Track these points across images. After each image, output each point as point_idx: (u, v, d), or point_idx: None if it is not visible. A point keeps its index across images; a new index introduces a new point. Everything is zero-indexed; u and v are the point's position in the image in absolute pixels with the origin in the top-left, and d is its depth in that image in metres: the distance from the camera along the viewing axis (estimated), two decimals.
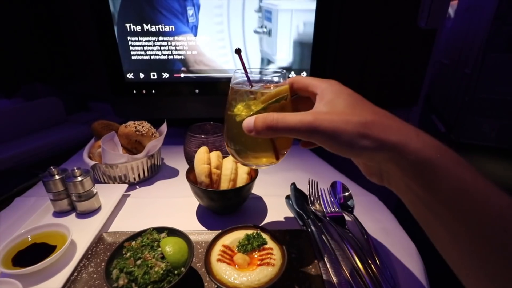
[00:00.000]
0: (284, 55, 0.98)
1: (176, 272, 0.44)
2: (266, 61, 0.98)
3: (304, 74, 1.01)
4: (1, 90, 1.41)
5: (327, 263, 0.54)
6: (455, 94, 3.56)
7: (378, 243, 0.60)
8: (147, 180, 0.85)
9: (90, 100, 1.58)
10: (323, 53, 0.99)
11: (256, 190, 0.77)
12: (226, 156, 0.71)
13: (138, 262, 0.44)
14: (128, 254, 0.46)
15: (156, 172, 0.89)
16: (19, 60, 1.53)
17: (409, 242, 0.61)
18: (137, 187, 0.81)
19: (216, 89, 1.01)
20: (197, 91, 1.00)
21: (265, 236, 0.50)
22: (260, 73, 0.49)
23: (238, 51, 0.46)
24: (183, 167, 0.92)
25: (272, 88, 0.43)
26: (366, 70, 1.22)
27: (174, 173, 0.90)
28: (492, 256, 0.27)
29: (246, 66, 0.45)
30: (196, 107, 1.05)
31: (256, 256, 0.47)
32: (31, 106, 1.29)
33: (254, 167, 0.56)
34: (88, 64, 1.56)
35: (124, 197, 0.75)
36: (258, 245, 0.48)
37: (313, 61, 0.99)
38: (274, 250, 0.47)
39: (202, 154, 0.64)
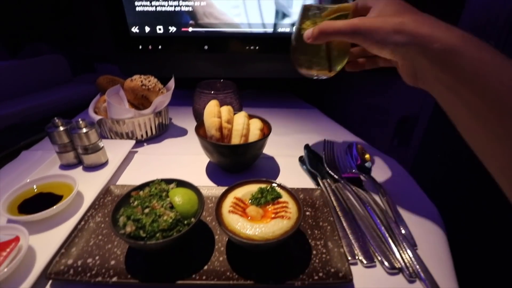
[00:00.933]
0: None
1: (185, 222, 0.42)
2: (281, 14, 0.90)
3: None
4: (5, 49, 1.37)
5: (343, 222, 0.52)
6: None
7: (397, 204, 0.56)
8: (154, 138, 0.82)
9: (95, 61, 1.53)
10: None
11: (267, 150, 0.74)
12: (237, 113, 0.66)
13: (146, 210, 0.42)
14: (136, 202, 0.44)
15: (164, 130, 0.85)
16: (23, 19, 1.47)
17: (430, 204, 0.58)
18: (145, 144, 0.79)
19: (227, 46, 0.95)
20: (206, 47, 0.93)
21: (279, 190, 0.47)
22: None
23: None
24: (191, 126, 0.88)
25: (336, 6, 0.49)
26: None
27: (182, 132, 0.87)
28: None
29: None
30: (205, 65, 0.99)
31: (270, 209, 0.44)
32: (36, 62, 1.24)
33: (314, 77, 0.60)
34: (93, 24, 1.49)
35: (131, 153, 0.73)
36: (272, 198, 0.45)
37: None
38: (289, 204, 0.44)
39: (212, 107, 0.60)
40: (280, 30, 0.92)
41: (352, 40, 0.42)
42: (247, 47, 0.93)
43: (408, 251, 0.45)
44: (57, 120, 0.62)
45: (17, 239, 0.43)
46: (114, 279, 0.40)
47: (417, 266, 0.43)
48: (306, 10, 0.53)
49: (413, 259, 0.44)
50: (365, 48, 0.43)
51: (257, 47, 0.93)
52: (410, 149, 1.43)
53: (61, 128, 0.62)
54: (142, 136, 0.78)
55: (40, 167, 0.63)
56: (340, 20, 0.42)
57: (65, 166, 0.66)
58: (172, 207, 0.43)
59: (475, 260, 1.17)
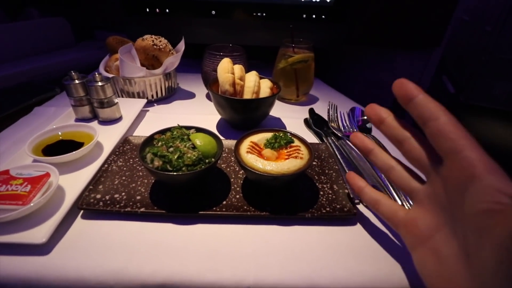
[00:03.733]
0: None
1: (207, 161, 0.46)
2: None
3: None
4: (4, 13, 1.33)
5: (346, 170, 0.56)
6: (471, 54, 3.41)
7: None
8: (164, 99, 0.84)
9: (97, 29, 1.50)
10: None
11: (274, 112, 0.77)
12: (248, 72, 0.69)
13: (171, 149, 0.45)
14: (160, 143, 0.47)
15: (173, 93, 0.88)
16: None
17: None
18: (155, 104, 0.81)
19: (234, 12, 0.95)
20: (213, 12, 0.94)
21: (291, 136, 0.51)
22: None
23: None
24: (199, 90, 0.91)
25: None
26: (391, 1, 1.13)
27: (190, 95, 0.89)
28: None
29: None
30: (211, 31, 1.00)
31: (284, 152, 0.48)
32: (40, 23, 1.22)
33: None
34: None
35: (143, 112, 0.76)
36: (285, 142, 0.49)
37: None
38: (301, 148, 0.48)
39: (226, 64, 0.62)
40: None
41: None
42: (254, 14, 0.95)
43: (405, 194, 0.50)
44: (73, 73, 0.64)
45: (47, 175, 0.47)
46: (142, 209, 0.44)
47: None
48: (282, 52, 0.82)
49: (409, 200, 0.49)
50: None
51: (264, 14, 0.94)
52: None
53: (77, 81, 0.64)
54: (152, 96, 0.80)
55: (56, 120, 0.66)
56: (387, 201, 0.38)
57: (80, 120, 0.68)
58: (194, 147, 0.47)
59: None
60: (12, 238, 0.39)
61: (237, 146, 0.49)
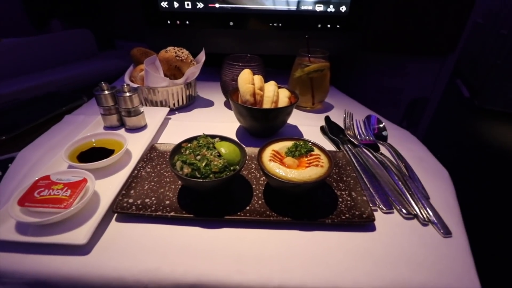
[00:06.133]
0: None
1: (232, 168, 0.49)
2: None
3: (343, 8, 0.96)
4: (32, 24, 1.42)
5: (364, 178, 0.58)
6: (486, 57, 3.35)
7: (411, 166, 0.62)
8: (185, 107, 0.88)
9: (117, 38, 1.57)
10: None
11: (291, 120, 0.80)
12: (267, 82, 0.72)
13: (198, 157, 0.48)
14: (188, 152, 0.50)
15: (193, 101, 0.91)
16: None
17: (441, 168, 0.64)
18: (176, 112, 0.85)
19: (251, 23, 0.99)
20: (231, 23, 0.98)
21: (311, 145, 0.53)
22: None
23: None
24: (218, 98, 0.95)
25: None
26: (405, 9, 1.15)
27: (209, 103, 0.92)
28: None
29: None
30: (229, 42, 1.04)
31: (304, 160, 0.51)
32: (66, 35, 1.30)
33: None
34: (115, 1, 1.51)
35: (166, 120, 0.79)
36: (306, 151, 0.51)
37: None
38: (321, 156, 0.51)
39: (246, 75, 0.65)
40: (302, 7, 0.96)
41: None
42: (270, 24, 0.98)
43: (422, 200, 0.52)
44: (103, 84, 0.68)
45: (84, 180, 0.50)
46: (172, 213, 0.47)
47: (430, 213, 0.50)
48: (298, 61, 0.85)
49: (426, 207, 0.51)
50: None
51: (280, 24, 0.97)
52: (418, 131, 1.48)
53: (107, 92, 0.68)
54: (174, 104, 0.84)
55: (86, 128, 0.70)
56: None
57: (108, 128, 0.73)
58: (219, 155, 0.50)
59: (482, 213, 1.36)
60: (55, 239, 0.43)
61: (260, 154, 0.51)
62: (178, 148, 0.52)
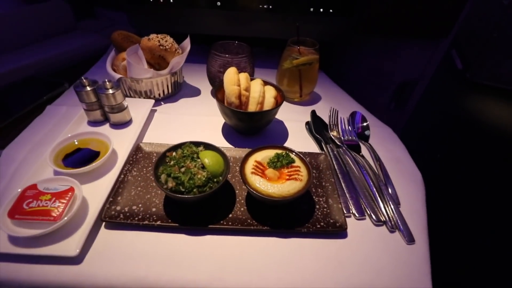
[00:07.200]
0: None
1: (215, 180, 0.51)
2: None
3: None
4: None
5: (341, 182, 0.61)
6: (483, 29, 3.26)
7: (388, 169, 0.66)
8: (170, 97, 0.86)
9: (96, 5, 1.44)
10: None
11: (277, 115, 0.80)
12: (254, 79, 0.71)
13: (182, 169, 0.50)
14: (172, 162, 0.51)
15: (179, 89, 0.90)
16: None
17: (416, 171, 0.68)
18: (162, 103, 0.84)
19: (240, 3, 0.93)
20: (218, 3, 0.92)
21: (292, 156, 0.55)
22: None
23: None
24: (204, 86, 0.93)
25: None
26: None
27: (196, 92, 0.91)
28: None
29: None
30: (216, 22, 0.98)
31: (285, 172, 0.53)
32: (37, 9, 1.18)
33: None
34: None
35: (152, 112, 0.78)
36: (287, 163, 0.53)
37: None
38: (301, 168, 0.53)
39: (232, 75, 0.64)
40: None
41: None
42: (260, 6, 0.92)
43: (392, 207, 0.56)
44: (84, 80, 0.66)
45: (71, 189, 0.52)
46: (158, 222, 0.50)
47: (398, 220, 0.54)
48: (287, 52, 0.83)
49: (395, 214, 0.55)
50: None
51: (270, 6, 0.92)
52: (404, 113, 1.50)
53: (89, 88, 0.66)
54: (159, 94, 0.82)
55: (70, 124, 0.69)
56: None
57: (93, 123, 0.72)
58: (203, 167, 0.51)
59: (447, 218, 1.41)
60: (47, 251, 0.45)
61: (243, 165, 0.53)
62: (163, 157, 0.54)
